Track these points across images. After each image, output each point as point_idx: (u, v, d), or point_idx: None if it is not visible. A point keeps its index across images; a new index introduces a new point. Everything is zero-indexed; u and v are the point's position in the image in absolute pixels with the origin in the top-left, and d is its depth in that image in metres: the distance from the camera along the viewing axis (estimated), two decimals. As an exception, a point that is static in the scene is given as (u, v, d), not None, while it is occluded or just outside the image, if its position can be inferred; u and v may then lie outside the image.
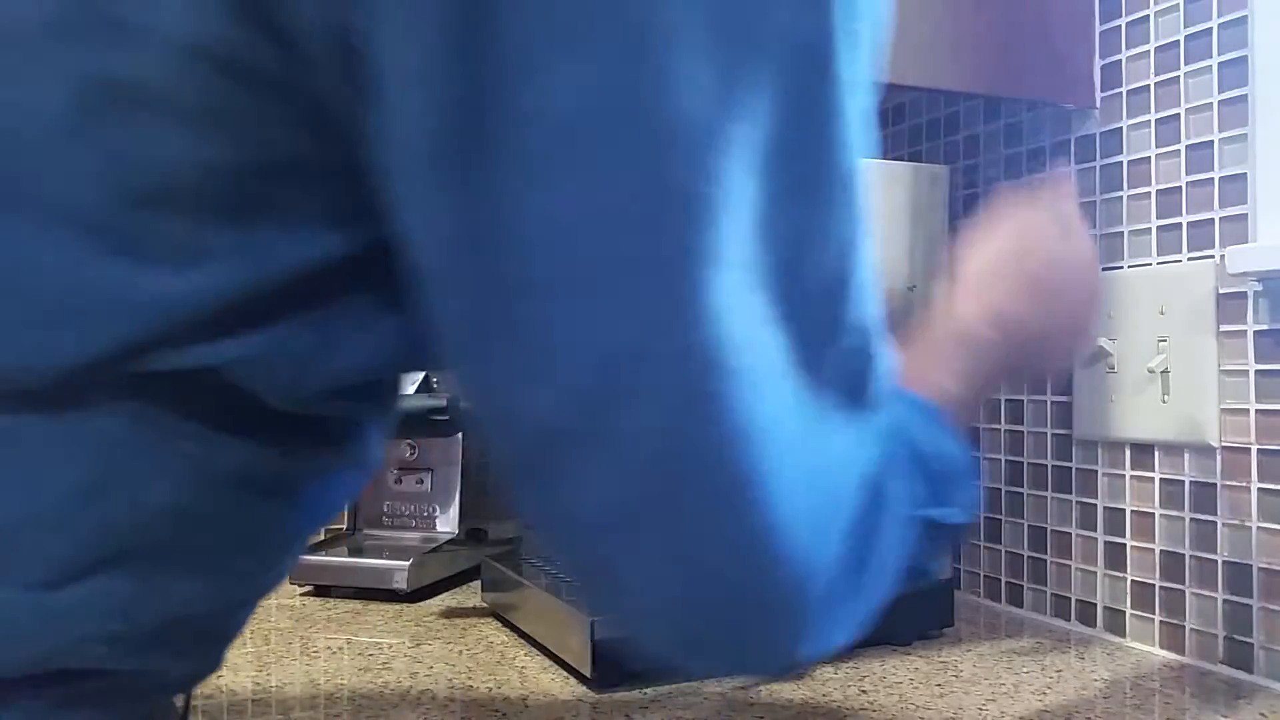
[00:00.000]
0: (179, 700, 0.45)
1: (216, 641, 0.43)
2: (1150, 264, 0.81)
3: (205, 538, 0.38)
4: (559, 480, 0.34)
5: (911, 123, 1.08)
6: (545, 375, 0.32)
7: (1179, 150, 0.78)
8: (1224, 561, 0.75)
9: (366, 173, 0.33)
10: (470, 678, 0.73)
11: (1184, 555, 0.78)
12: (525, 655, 0.78)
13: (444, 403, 0.89)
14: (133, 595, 0.37)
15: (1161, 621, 0.79)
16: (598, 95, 0.29)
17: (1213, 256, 0.76)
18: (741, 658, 0.39)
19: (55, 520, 0.35)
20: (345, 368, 0.38)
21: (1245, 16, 0.73)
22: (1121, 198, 0.83)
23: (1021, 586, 0.92)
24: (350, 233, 0.35)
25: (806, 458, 0.35)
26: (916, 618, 0.81)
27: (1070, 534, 0.87)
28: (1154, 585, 0.80)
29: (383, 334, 0.38)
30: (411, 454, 1.07)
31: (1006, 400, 0.94)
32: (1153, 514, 0.80)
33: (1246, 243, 0.73)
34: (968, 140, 1.00)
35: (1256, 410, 0.73)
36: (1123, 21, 0.83)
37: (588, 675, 0.70)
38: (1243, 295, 0.73)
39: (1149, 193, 0.81)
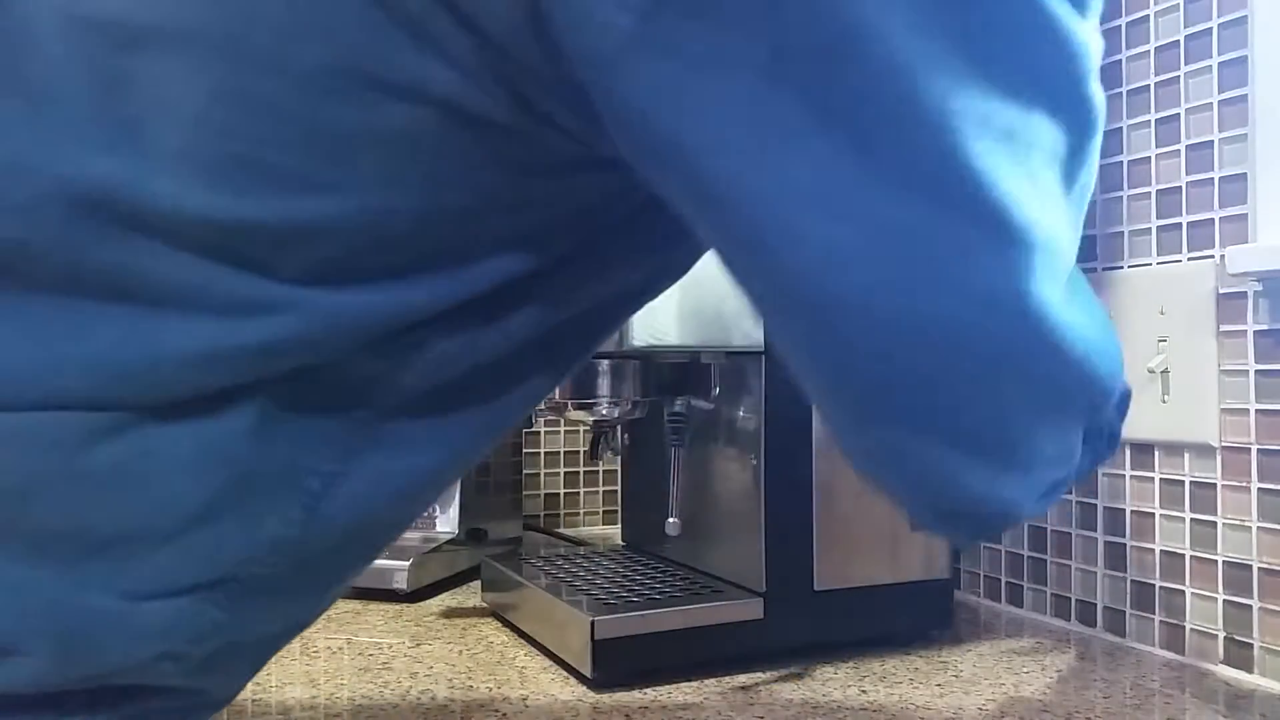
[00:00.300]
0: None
1: (258, 666, 0.44)
2: (1150, 264, 0.81)
3: (298, 578, 0.39)
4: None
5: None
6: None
7: (1179, 150, 0.78)
8: (1224, 561, 0.75)
9: (567, 199, 0.38)
10: (470, 678, 0.73)
11: (1184, 555, 0.78)
12: (525, 655, 0.78)
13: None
14: (212, 621, 0.37)
15: (1161, 621, 0.79)
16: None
17: (1213, 256, 0.76)
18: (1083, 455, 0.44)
19: (168, 535, 0.35)
20: (495, 342, 0.40)
21: (1245, 16, 0.73)
22: (1121, 198, 0.83)
23: (1021, 586, 0.92)
24: (541, 255, 0.39)
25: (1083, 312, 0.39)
26: (916, 618, 0.81)
27: (1070, 534, 0.87)
28: (1154, 585, 0.80)
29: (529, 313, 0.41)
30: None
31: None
32: (1153, 514, 0.80)
33: (1246, 243, 0.73)
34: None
35: (1256, 410, 0.73)
36: (1123, 21, 0.83)
37: (588, 675, 0.70)
38: (1243, 295, 0.73)
39: (1149, 193, 0.81)
